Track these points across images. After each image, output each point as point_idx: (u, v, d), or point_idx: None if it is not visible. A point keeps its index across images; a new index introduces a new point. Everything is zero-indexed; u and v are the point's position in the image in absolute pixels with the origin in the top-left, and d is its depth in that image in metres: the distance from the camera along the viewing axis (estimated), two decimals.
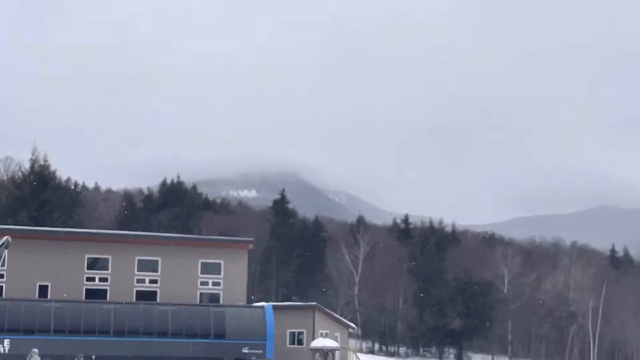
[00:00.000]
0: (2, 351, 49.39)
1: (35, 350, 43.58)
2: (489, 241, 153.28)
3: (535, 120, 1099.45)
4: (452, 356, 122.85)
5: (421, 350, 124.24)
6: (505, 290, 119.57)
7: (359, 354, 66.46)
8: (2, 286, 56.97)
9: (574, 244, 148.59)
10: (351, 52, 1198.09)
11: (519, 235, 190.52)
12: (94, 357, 52.13)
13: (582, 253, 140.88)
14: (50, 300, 56.29)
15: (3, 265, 53.54)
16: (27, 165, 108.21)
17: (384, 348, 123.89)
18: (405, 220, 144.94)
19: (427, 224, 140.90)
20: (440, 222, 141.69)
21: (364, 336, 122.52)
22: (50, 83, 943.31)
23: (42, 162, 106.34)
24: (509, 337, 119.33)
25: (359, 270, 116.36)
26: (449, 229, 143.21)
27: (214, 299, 63.24)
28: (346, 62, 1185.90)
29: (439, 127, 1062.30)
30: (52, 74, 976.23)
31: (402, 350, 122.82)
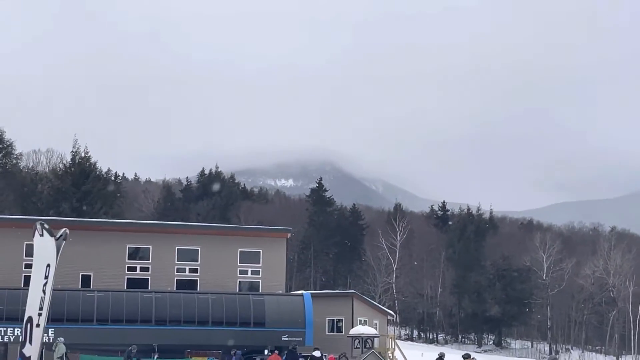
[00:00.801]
0: (47, 340, 50.35)
1: (61, 339, 44.26)
2: (528, 227, 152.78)
3: (576, 104, 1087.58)
4: (491, 342, 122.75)
5: (460, 336, 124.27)
6: (544, 276, 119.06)
7: (397, 341, 66.69)
8: None
9: (613, 229, 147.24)
10: (386, 37, 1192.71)
11: (559, 221, 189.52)
12: (155, 345, 52.79)
13: (621, 238, 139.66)
14: (92, 290, 57.23)
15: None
16: (68, 158, 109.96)
17: (422, 335, 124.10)
18: (443, 207, 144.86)
19: (465, 211, 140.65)
20: (478, 209, 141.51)
21: (403, 323, 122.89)
22: (89, 77, 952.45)
23: (82, 154, 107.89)
24: (549, 323, 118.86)
25: (397, 258, 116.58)
26: (487, 215, 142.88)
27: (253, 287, 63.84)
28: (380, 50, 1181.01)
29: (475, 113, 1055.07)
30: (90, 67, 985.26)
31: (440, 337, 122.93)
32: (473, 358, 38.90)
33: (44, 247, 22.32)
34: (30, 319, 22.37)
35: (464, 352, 36.71)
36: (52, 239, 22.21)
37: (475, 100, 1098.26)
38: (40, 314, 21.63)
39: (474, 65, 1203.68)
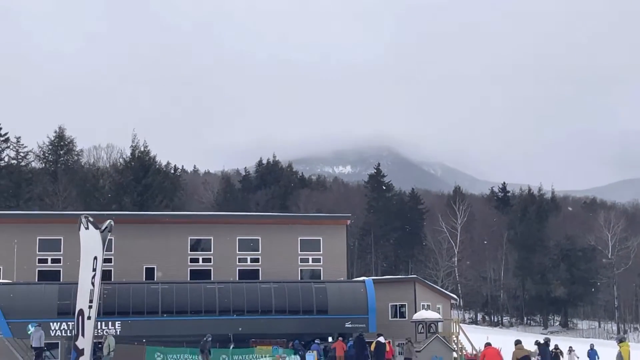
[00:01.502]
0: (114, 333, 51.07)
1: (111, 330, 44.31)
2: (591, 206, 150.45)
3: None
4: (557, 324, 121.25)
5: (525, 319, 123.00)
6: (609, 255, 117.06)
7: (462, 325, 66.19)
8: (110, 270, 58.78)
9: None
10: (439, 18, 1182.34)
11: (624, 198, 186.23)
12: (231, 335, 53.20)
13: None
14: (157, 282, 57.86)
15: (109, 249, 55.50)
16: (128, 152, 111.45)
17: (487, 318, 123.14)
18: (503, 188, 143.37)
19: (526, 192, 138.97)
20: (540, 189, 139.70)
21: (466, 307, 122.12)
22: (146, 72, 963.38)
23: (142, 149, 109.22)
24: (616, 303, 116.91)
25: (458, 241, 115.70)
26: (548, 195, 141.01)
27: (314, 275, 63.91)
28: (435, 29, 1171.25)
29: (534, 93, 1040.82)
30: (148, 63, 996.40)
31: (505, 319, 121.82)
32: (545, 340, 38.59)
33: (90, 240, 22.56)
34: (81, 312, 22.65)
35: (515, 339, 36.31)
36: (98, 231, 22.45)
37: (532, 82, 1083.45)
38: (90, 307, 21.84)
39: (531, 48, 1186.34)
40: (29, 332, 53.02)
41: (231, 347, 48.65)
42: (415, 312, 60.26)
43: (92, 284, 21.46)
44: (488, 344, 32.85)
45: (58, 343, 56.90)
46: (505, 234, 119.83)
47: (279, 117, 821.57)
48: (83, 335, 21.44)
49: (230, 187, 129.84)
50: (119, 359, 43.06)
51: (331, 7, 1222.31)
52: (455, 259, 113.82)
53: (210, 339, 43.41)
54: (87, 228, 21.30)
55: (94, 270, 21.19)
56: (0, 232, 60.35)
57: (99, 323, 50.41)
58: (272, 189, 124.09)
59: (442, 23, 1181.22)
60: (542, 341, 43.37)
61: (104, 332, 48.28)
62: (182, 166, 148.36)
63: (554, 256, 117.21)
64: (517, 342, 34.15)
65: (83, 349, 22.18)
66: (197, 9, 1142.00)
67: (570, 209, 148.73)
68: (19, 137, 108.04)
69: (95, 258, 21.65)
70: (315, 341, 51.08)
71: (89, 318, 21.09)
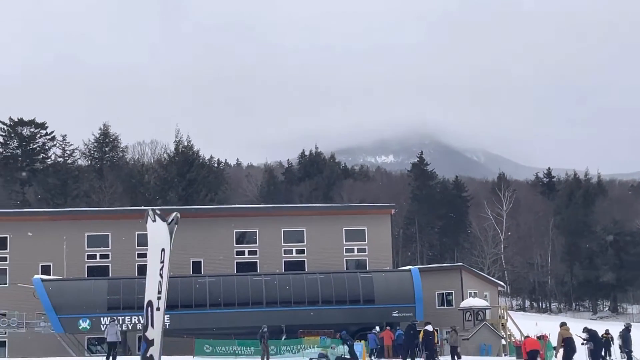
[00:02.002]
0: (164, 327, 51.72)
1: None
2: (638, 189, 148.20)
3: None
4: (606, 309, 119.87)
5: (574, 304, 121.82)
6: None
7: (509, 312, 65.80)
8: None
9: None
10: (480, 5, 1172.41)
11: None
12: (283, 326, 53.55)
13: None
14: (204, 276, 58.34)
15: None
16: (172, 148, 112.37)
17: (534, 305, 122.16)
18: (549, 174, 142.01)
19: (572, 176, 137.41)
20: (586, 174, 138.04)
21: (514, 294, 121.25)
22: (187, 67, 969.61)
23: (185, 143, 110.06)
24: None
25: (504, 228, 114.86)
26: (594, 179, 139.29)
27: (360, 265, 64.00)
28: (476, 17, 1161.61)
29: (576, 78, 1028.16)
30: (189, 58, 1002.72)
31: (553, 305, 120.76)
32: (626, 325, 38.42)
33: (157, 232, 22.91)
34: (150, 303, 23.05)
35: (561, 321, 36.79)
36: (164, 223, 22.79)
37: (573, 67, 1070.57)
38: (159, 298, 22.31)
39: (571, 31, 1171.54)
40: (80, 327, 53.97)
41: (283, 337, 48.90)
42: (462, 300, 60.02)
43: (161, 275, 21.90)
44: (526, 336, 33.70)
45: None
46: (551, 219, 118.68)
47: (321, 108, 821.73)
48: (153, 326, 21.84)
49: (273, 179, 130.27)
50: (167, 353, 43.54)
51: None
52: (502, 245, 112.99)
53: (266, 329, 43.65)
54: (154, 221, 21.69)
55: (162, 262, 21.60)
56: (49, 230, 61.37)
57: (140, 317, 51.16)
58: (315, 180, 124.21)
59: (488, 7, 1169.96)
60: (590, 328, 42.90)
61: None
62: (225, 160, 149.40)
63: (602, 241, 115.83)
64: (563, 324, 34.99)
65: (153, 340, 22.60)
66: (241, 2, 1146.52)
67: (617, 193, 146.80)
68: (65, 135, 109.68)
69: (163, 250, 22.04)
70: (374, 330, 50.88)
71: (158, 309, 21.51)
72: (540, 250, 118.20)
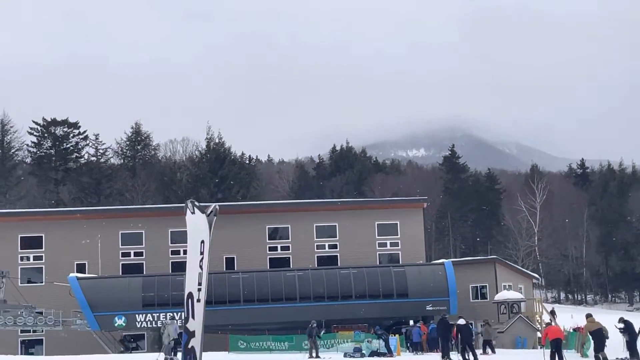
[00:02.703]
0: (175, 322, 52.17)
1: (169, 321, 44.44)
2: None
3: None
4: None
5: (610, 296, 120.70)
6: None
7: (545, 304, 65.33)
8: None
9: None
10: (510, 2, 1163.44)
11: None
12: (323, 321, 53.56)
13: None
14: (237, 272, 58.52)
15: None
16: (203, 145, 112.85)
17: (570, 297, 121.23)
18: (582, 165, 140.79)
19: (606, 167, 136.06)
20: (620, 164, 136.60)
21: (548, 286, 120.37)
22: (217, 65, 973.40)
23: (217, 140, 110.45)
24: None
25: (537, 220, 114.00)
26: (629, 170, 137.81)
27: (393, 259, 63.88)
28: (503, 13, 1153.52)
29: (608, 65, 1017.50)
30: (219, 55, 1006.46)
31: (589, 297, 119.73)
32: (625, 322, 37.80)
33: (197, 224, 23.05)
34: (190, 295, 23.25)
35: (586, 313, 36.08)
36: (204, 215, 22.93)
37: (605, 54, 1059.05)
38: (199, 289, 22.47)
39: (605, 20, 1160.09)
40: (116, 325, 54.39)
41: (322, 332, 49.07)
42: (497, 292, 59.71)
43: (200, 267, 22.05)
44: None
45: (144, 334, 58.17)
46: (585, 210, 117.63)
47: (351, 103, 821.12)
48: (194, 317, 22.02)
49: (304, 174, 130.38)
50: (203, 349, 43.68)
51: None
52: (536, 237, 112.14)
53: (315, 324, 43.56)
54: (193, 212, 21.83)
55: (202, 253, 21.73)
56: (83, 228, 61.93)
57: (175, 314, 51.48)
58: (346, 175, 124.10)
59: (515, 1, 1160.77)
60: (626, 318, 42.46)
61: (163, 322, 49.06)
62: (257, 156, 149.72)
63: (638, 231, 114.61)
64: (588, 316, 34.29)
65: (194, 331, 22.81)
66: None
67: None
68: (98, 135, 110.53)
69: (203, 242, 22.16)
70: (417, 324, 50.54)
71: (198, 301, 21.66)
72: (575, 242, 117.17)
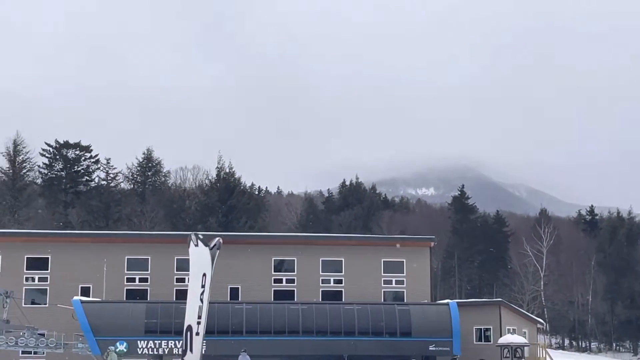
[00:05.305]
0: (117, 349, 52.14)
1: (112, 347, 43.86)
2: None
3: None
4: None
5: (614, 344, 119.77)
6: None
7: (549, 350, 64.90)
8: None
9: None
10: (527, 51, 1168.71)
11: None
12: (346, 356, 53.34)
13: None
14: (241, 302, 58.43)
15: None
16: (213, 174, 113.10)
17: (574, 343, 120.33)
18: (591, 211, 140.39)
19: (615, 214, 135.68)
20: (630, 212, 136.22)
21: (553, 331, 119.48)
22: (228, 97, 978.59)
23: (227, 170, 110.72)
24: None
25: (544, 264, 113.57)
26: (638, 218, 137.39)
27: (397, 297, 63.68)
28: (521, 61, 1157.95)
29: (621, 109, 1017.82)
30: (231, 85, 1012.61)
31: (593, 345, 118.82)
32: None
33: (200, 256, 23.06)
34: (189, 328, 23.23)
35: None
36: (207, 248, 22.97)
37: (620, 100, 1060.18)
38: (199, 323, 22.35)
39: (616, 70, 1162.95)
40: (117, 350, 54.20)
41: None
42: (501, 336, 59.39)
43: (201, 300, 21.96)
44: None
45: None
46: (593, 257, 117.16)
47: (361, 139, 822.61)
48: (192, 350, 21.90)
49: (313, 208, 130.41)
50: None
51: (424, 26, 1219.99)
52: (542, 282, 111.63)
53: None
54: (196, 245, 21.83)
55: (203, 286, 21.69)
56: (90, 252, 62.03)
57: (177, 342, 51.31)
58: (355, 211, 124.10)
59: (531, 51, 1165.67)
60: None
61: (108, 349, 48.91)
62: (266, 187, 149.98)
63: None
64: None
65: None
66: (286, 30, 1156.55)
67: None
68: (109, 159, 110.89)
69: (204, 275, 22.14)
70: None
71: (197, 334, 21.59)
72: (581, 289, 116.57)
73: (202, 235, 21.47)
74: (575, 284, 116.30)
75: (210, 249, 21.64)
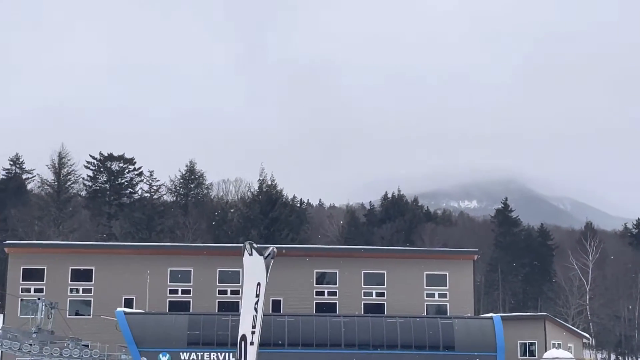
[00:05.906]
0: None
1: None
2: None
3: None
4: None
5: None
6: None
7: None
8: (238, 302, 59.69)
9: None
10: (563, 49, 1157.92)
11: None
12: None
13: None
14: (283, 315, 58.32)
15: (237, 281, 56.39)
16: (255, 186, 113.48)
17: (620, 359, 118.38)
18: (638, 224, 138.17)
19: None
20: None
21: (598, 346, 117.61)
22: (272, 108, 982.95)
23: (269, 182, 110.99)
24: None
25: (590, 279, 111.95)
26: None
27: (440, 310, 63.13)
28: (561, 62, 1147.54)
29: None
30: (275, 98, 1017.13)
31: None
32: None
33: (254, 266, 22.91)
34: (244, 337, 23.02)
35: None
36: (261, 257, 22.80)
37: None
38: (253, 332, 22.13)
39: None
40: None
41: None
42: (546, 350, 58.58)
43: (255, 309, 21.78)
44: None
45: None
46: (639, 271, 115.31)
47: (404, 151, 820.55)
48: None
49: (355, 220, 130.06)
50: None
51: (460, 31, 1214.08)
52: (587, 296, 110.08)
53: None
54: (250, 254, 21.74)
55: (257, 296, 21.53)
56: (133, 263, 62.42)
57: (219, 354, 51.35)
58: (397, 223, 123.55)
59: (572, 51, 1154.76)
60: None
61: None
62: (308, 200, 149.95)
63: None
64: None
65: None
66: (328, 41, 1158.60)
67: None
68: (152, 171, 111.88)
69: (259, 284, 22.00)
70: None
71: (251, 343, 21.37)
72: (628, 303, 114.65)
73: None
74: (622, 298, 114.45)
75: (265, 258, 21.58)
